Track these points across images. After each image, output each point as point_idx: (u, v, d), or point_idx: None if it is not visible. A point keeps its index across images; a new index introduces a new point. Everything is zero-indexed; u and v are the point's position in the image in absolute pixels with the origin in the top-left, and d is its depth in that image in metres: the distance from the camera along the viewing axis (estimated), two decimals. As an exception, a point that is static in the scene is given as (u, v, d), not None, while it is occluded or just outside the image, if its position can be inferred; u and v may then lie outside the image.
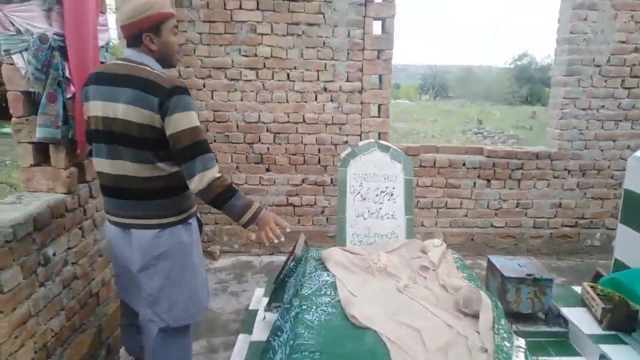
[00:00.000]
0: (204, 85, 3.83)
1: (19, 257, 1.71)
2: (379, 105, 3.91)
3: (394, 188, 2.63)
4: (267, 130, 3.92)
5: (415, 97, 32.86)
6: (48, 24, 2.00)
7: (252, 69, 3.80)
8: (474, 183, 4.05)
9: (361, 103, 3.87)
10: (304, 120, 3.90)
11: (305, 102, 3.87)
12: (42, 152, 2.09)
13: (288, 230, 1.80)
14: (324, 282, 1.89)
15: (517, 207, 4.11)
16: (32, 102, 2.02)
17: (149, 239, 1.73)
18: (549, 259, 4.07)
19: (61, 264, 2.03)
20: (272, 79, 3.82)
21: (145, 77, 1.63)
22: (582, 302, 2.77)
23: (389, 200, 2.62)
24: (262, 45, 3.76)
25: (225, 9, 3.69)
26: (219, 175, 1.67)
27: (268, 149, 3.95)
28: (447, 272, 1.98)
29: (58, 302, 1.98)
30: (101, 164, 1.75)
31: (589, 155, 4.00)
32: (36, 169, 2.09)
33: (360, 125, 3.90)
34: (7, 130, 9.47)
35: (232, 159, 3.97)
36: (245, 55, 3.78)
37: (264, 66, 3.80)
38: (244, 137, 3.93)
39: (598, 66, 3.84)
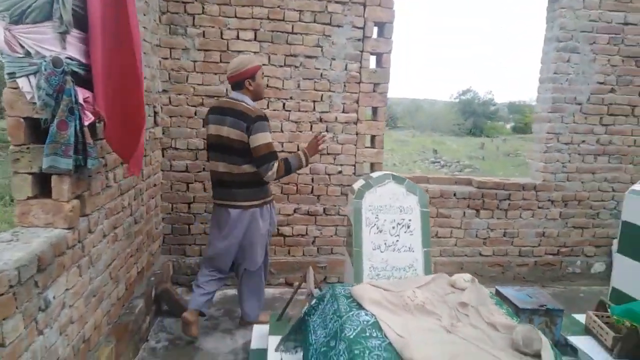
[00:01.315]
0: (195, 113, 3.72)
1: (22, 303, 1.55)
2: (373, 136, 3.95)
3: (410, 220, 2.63)
4: (261, 160, 3.83)
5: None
6: (62, 47, 1.87)
7: (247, 98, 3.74)
8: (464, 213, 4.14)
9: (356, 134, 3.89)
10: (299, 150, 3.84)
11: (301, 131, 3.84)
12: (41, 184, 1.93)
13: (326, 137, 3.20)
14: (365, 323, 1.82)
15: (504, 236, 4.22)
16: (34, 130, 1.87)
17: (237, 214, 2.87)
18: (534, 286, 4.17)
19: (59, 308, 1.87)
20: (267, 108, 3.77)
21: (240, 109, 2.79)
22: (586, 331, 2.83)
23: (405, 232, 2.61)
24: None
25: (222, 38, 3.64)
26: (277, 169, 2.80)
27: (261, 178, 3.85)
28: (487, 308, 1.97)
29: (54, 352, 1.80)
30: (215, 165, 2.92)
31: (570, 187, 4.20)
32: (34, 201, 1.92)
33: (355, 155, 3.90)
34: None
35: (223, 189, 3.84)
36: (240, 84, 3.71)
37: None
38: (237, 167, 3.82)
39: (579, 104, 4.08)
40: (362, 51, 3.79)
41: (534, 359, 1.63)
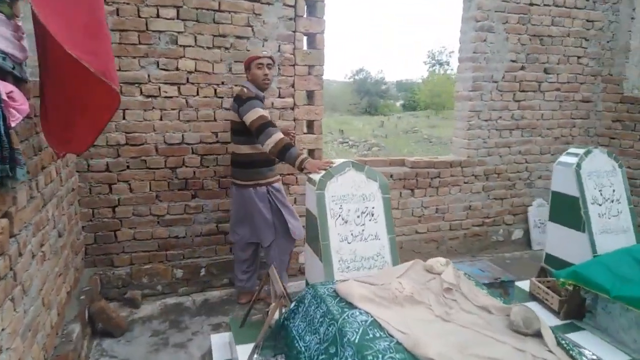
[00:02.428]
0: (111, 103, 3.25)
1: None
2: (311, 122, 3.81)
3: (373, 208, 2.57)
4: (193, 152, 3.51)
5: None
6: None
7: (173, 84, 3.37)
8: (400, 193, 4.22)
9: (294, 120, 3.72)
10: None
11: (235, 120, 3.56)
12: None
13: (333, 163, 2.70)
14: (363, 323, 1.72)
15: (436, 212, 4.40)
16: None
17: (236, 191, 3.22)
18: (465, 257, 4.44)
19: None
20: (198, 95, 3.43)
21: (237, 93, 3.11)
22: (531, 297, 3.06)
23: (370, 220, 2.54)
24: (185, 58, 3.36)
25: (140, 16, 3.20)
26: (276, 141, 2.86)
27: (194, 173, 3.53)
28: (471, 291, 1.99)
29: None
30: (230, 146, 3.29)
31: (490, 162, 4.49)
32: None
33: (294, 142, 3.74)
34: None
35: (150, 187, 3.45)
36: (164, 69, 3.33)
37: (187, 81, 3.40)
38: (165, 161, 3.45)
39: (495, 82, 4.34)
40: (294, 31, 3.60)
41: (534, 338, 1.67)
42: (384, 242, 2.55)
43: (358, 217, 2.53)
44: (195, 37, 3.36)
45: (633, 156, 4.47)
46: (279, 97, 3.65)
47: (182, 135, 3.45)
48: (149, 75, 3.29)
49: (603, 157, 3.12)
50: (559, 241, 3.15)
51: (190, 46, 3.35)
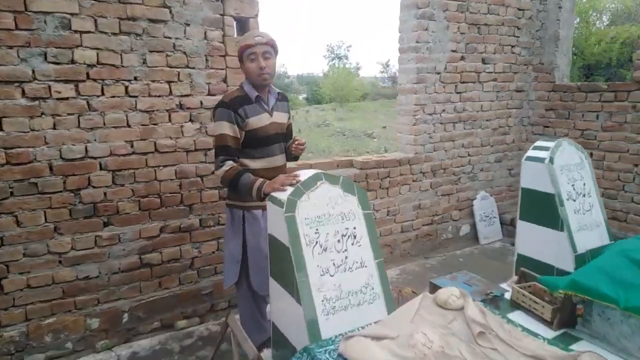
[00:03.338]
0: (-20, 109, 2.40)
1: None
2: (248, 123, 3.21)
3: (355, 228, 2.07)
4: (102, 168, 2.75)
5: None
6: None
7: (68, 81, 2.58)
8: (349, 198, 3.79)
9: (228, 121, 3.10)
10: (156, 149, 2.89)
11: (156, 124, 2.86)
12: None
13: (299, 177, 2.02)
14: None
15: (387, 215, 4.05)
16: None
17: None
18: (419, 260, 4.16)
19: None
20: (103, 94, 2.68)
21: None
22: (513, 305, 2.79)
23: (353, 244, 2.05)
24: (82, 47, 2.59)
25: (15, -10, 2.37)
26: (223, 172, 2.25)
27: (105, 194, 2.77)
28: (509, 333, 1.60)
29: None
30: None
31: (436, 157, 4.24)
32: None
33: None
34: None
35: (46, 218, 2.63)
36: (54, 62, 2.53)
37: (88, 77, 2.63)
38: (64, 183, 2.65)
39: (438, 73, 4.08)
40: (223, 14, 2.98)
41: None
42: (372, 269, 2.08)
43: (338, 241, 2.02)
44: (96, 21, 2.60)
45: (568, 144, 4.51)
46: (209, 94, 3.01)
47: (85, 148, 2.68)
48: (33, 71, 2.48)
49: (571, 149, 2.97)
50: (532, 241, 2.95)
51: (89, 32, 2.59)
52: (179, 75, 2.88)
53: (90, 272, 2.78)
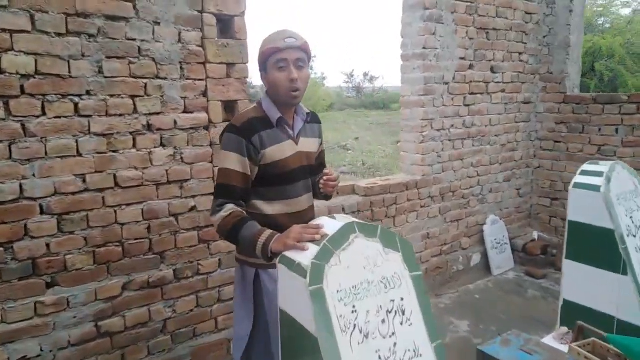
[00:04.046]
0: None
1: None
2: (234, 146, 2.59)
3: (402, 299, 1.49)
4: (43, 212, 2.06)
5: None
6: None
7: (-7, 97, 1.90)
8: (352, 231, 3.21)
9: (210, 145, 2.48)
10: (117, 184, 2.23)
11: (116, 151, 2.21)
12: None
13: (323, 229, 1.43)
14: None
15: (393, 248, 3.49)
16: None
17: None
18: (431, 299, 3.61)
19: None
20: (44, 114, 2.01)
21: None
22: (572, 368, 2.28)
23: (402, 323, 1.47)
24: (14, 52, 1.92)
25: None
26: (221, 219, 1.62)
27: (48, 246, 2.09)
28: None
29: None
30: None
31: (445, 178, 3.74)
32: None
33: (214, 179, 2.50)
34: None
35: (-36, 282, 1.92)
36: (-27, 71, 1.85)
37: (23, 92, 1.96)
38: (-10, 233, 1.95)
39: (446, 84, 3.59)
40: (201, 11, 2.37)
41: None
42: (429, 356, 1.51)
43: (383, 321, 1.44)
44: (33, 17, 1.94)
45: (583, 161, 4.08)
46: (185, 112, 2.38)
47: (20, 186, 1.99)
48: None
49: (624, 174, 2.51)
50: (583, 285, 2.45)
51: (23, 32, 1.93)
52: (145, 87, 2.24)
53: (28, 351, 2.08)
